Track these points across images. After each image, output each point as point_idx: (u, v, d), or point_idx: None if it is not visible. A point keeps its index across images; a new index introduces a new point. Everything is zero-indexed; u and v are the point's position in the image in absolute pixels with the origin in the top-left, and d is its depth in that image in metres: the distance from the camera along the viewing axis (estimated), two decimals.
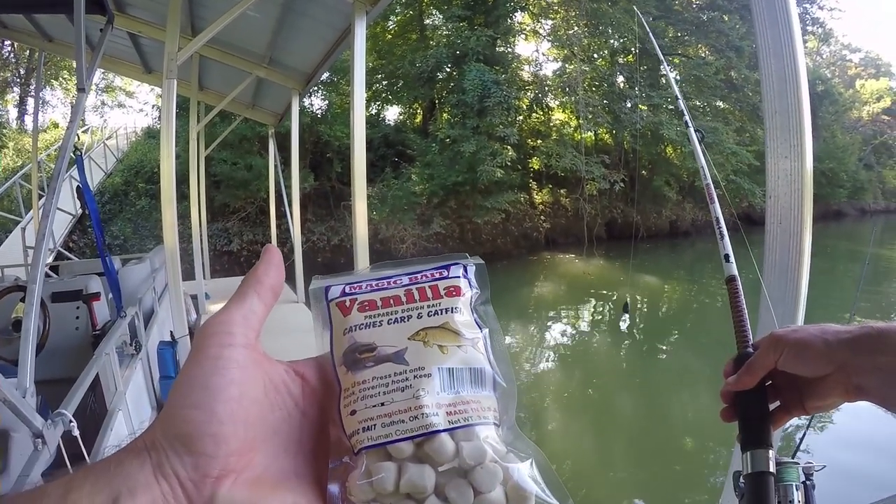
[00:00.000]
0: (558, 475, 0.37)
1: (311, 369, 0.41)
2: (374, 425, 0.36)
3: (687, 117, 1.83)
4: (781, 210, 1.97)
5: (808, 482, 1.06)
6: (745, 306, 1.01)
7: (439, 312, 0.41)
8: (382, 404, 0.37)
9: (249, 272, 0.41)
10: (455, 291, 0.42)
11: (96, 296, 4.28)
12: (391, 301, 0.41)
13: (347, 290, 0.43)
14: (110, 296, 4.38)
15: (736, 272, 1.15)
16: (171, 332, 5.11)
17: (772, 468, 0.79)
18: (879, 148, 40.99)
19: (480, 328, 0.41)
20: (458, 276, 0.43)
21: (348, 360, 0.39)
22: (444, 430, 0.36)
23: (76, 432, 2.38)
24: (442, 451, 0.36)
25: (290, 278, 9.09)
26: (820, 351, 0.73)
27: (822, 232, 26.67)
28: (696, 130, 1.79)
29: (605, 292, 16.80)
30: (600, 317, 14.94)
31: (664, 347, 12.12)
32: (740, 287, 1.08)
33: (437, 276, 0.43)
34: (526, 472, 0.36)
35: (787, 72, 1.92)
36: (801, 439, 1.82)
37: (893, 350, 0.69)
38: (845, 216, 36.25)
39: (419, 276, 0.43)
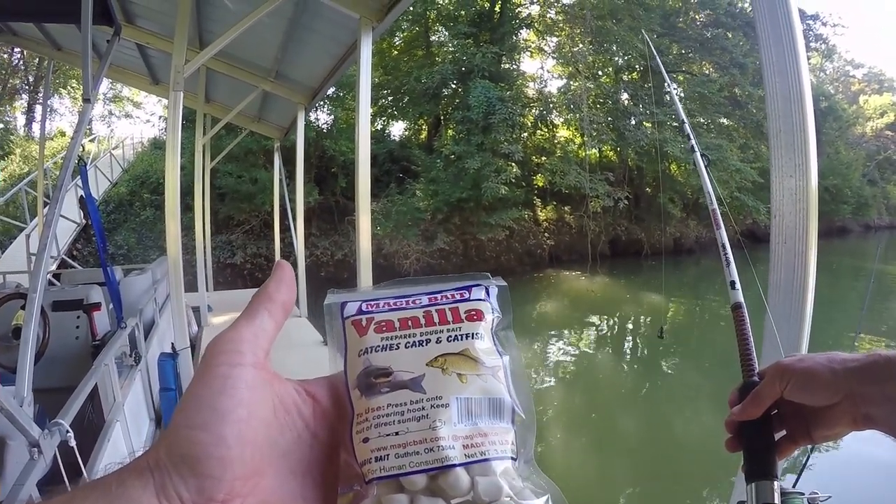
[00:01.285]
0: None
1: (323, 389, 0.40)
2: (388, 455, 0.35)
3: (693, 142, 1.82)
4: (786, 229, 1.96)
5: None
6: (750, 334, 0.99)
7: (459, 338, 0.40)
8: (397, 433, 0.36)
9: (260, 288, 0.39)
10: (476, 315, 0.41)
11: (97, 305, 4.29)
12: (409, 323, 0.40)
13: (364, 307, 0.42)
14: (111, 306, 4.38)
15: (742, 299, 1.13)
16: (173, 343, 5.09)
17: (777, 500, 0.77)
18: (883, 163, 41.03)
19: (501, 355, 0.40)
20: (480, 299, 0.42)
21: (362, 384, 0.38)
22: (460, 465, 0.35)
23: (73, 443, 2.37)
24: (457, 486, 0.35)
25: None
26: (827, 380, 0.72)
27: (826, 248, 26.55)
28: (702, 155, 1.78)
29: (609, 309, 16.75)
30: (604, 334, 14.88)
31: (668, 366, 12.04)
32: (746, 315, 1.05)
33: (458, 297, 0.42)
34: None
35: (792, 91, 1.92)
36: (803, 467, 1.78)
37: None
38: (849, 232, 36.20)
39: (439, 296, 0.42)
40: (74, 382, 2.97)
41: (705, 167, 1.67)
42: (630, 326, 15.27)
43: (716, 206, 1.58)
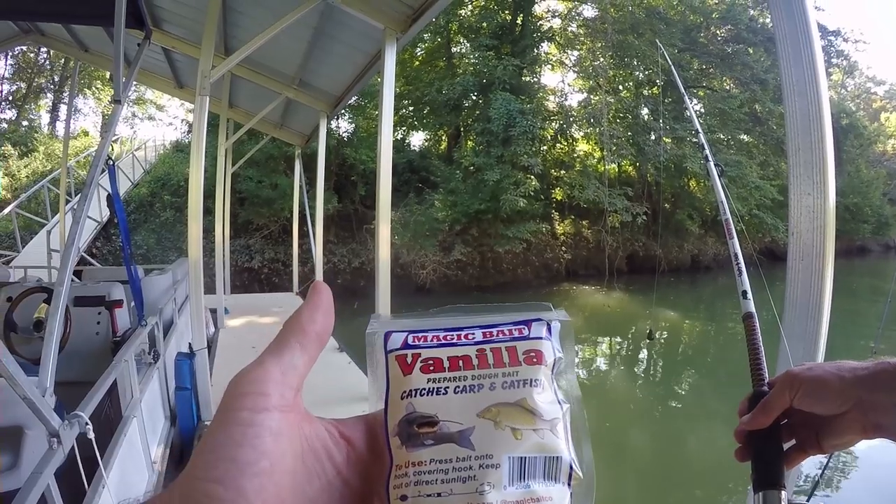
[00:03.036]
0: None
1: (360, 433, 0.37)
2: None
3: (707, 150, 1.84)
4: (804, 247, 1.96)
5: None
6: (761, 344, 0.99)
7: (516, 385, 0.35)
8: (439, 495, 0.32)
9: (293, 316, 0.36)
10: (536, 358, 0.37)
11: (119, 303, 4.36)
12: (461, 363, 0.36)
13: (410, 340, 0.37)
14: (132, 304, 4.45)
15: (753, 309, 1.14)
16: (190, 343, 5.16)
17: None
18: None
19: (561, 405, 0.36)
20: (541, 338, 0.38)
21: (404, 433, 0.34)
22: None
23: (91, 435, 2.41)
24: None
25: None
26: (836, 389, 0.72)
27: (845, 268, 26.20)
28: (715, 164, 1.79)
29: (624, 325, 16.64)
30: (619, 349, 14.78)
31: (683, 383, 11.92)
32: (757, 324, 1.06)
33: (517, 334, 0.38)
34: None
35: (811, 110, 1.93)
36: (819, 478, 1.78)
37: None
38: (869, 252, 35.57)
39: (495, 331, 0.38)
40: (93, 377, 3.02)
41: (719, 177, 1.68)
42: (644, 344, 15.14)
43: (729, 216, 1.59)
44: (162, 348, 4.62)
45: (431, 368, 0.36)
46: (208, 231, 9.71)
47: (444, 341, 0.37)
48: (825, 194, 1.92)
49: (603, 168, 23.81)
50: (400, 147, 22.99)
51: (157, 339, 4.51)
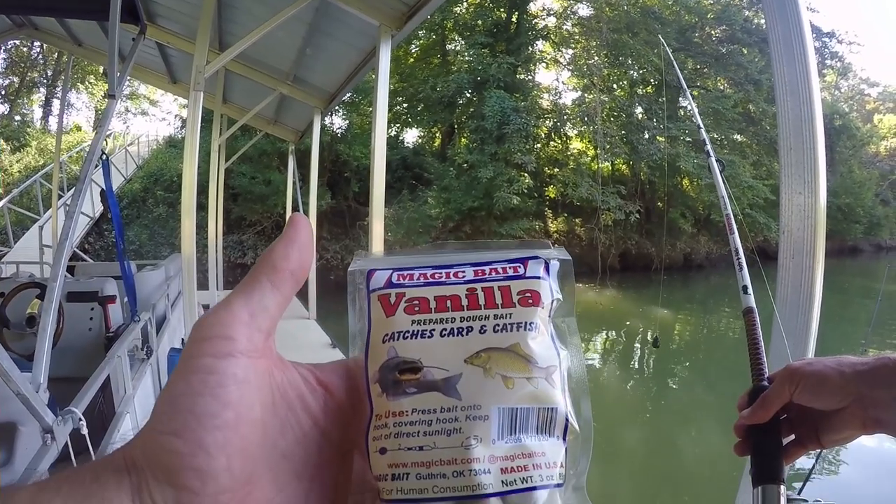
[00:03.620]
0: None
1: (339, 378, 0.34)
2: (407, 475, 0.30)
3: (708, 147, 1.85)
4: (794, 245, 1.98)
5: None
6: (761, 339, 0.99)
7: (509, 328, 0.32)
8: (421, 448, 0.30)
9: (265, 252, 0.32)
10: (532, 299, 0.33)
11: (112, 298, 4.34)
12: (448, 303, 0.33)
13: (395, 279, 0.34)
14: (125, 299, 4.44)
15: (753, 304, 1.14)
16: (183, 339, 5.15)
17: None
18: None
19: (558, 352, 0.33)
20: (538, 277, 0.34)
21: (385, 380, 0.31)
22: (495, 495, 0.29)
23: (85, 430, 2.40)
24: None
25: (302, 294, 9.11)
26: (836, 384, 0.72)
27: (837, 268, 26.34)
28: (717, 160, 1.80)
29: (617, 323, 16.69)
30: (612, 347, 14.83)
31: (675, 380, 11.98)
32: (757, 319, 1.06)
33: (511, 272, 0.34)
34: None
35: (803, 110, 1.95)
36: (810, 473, 1.80)
37: None
38: (861, 252, 35.76)
39: (487, 269, 0.34)
40: (86, 373, 3.01)
41: (720, 172, 1.69)
42: (638, 341, 15.20)
43: (730, 210, 1.59)
44: (155, 344, 4.61)
45: (416, 309, 0.33)
46: (201, 227, 9.69)
47: (431, 280, 0.34)
48: (816, 193, 1.94)
49: (596, 166, 23.88)
50: (394, 144, 22.99)
51: (150, 335, 4.49)
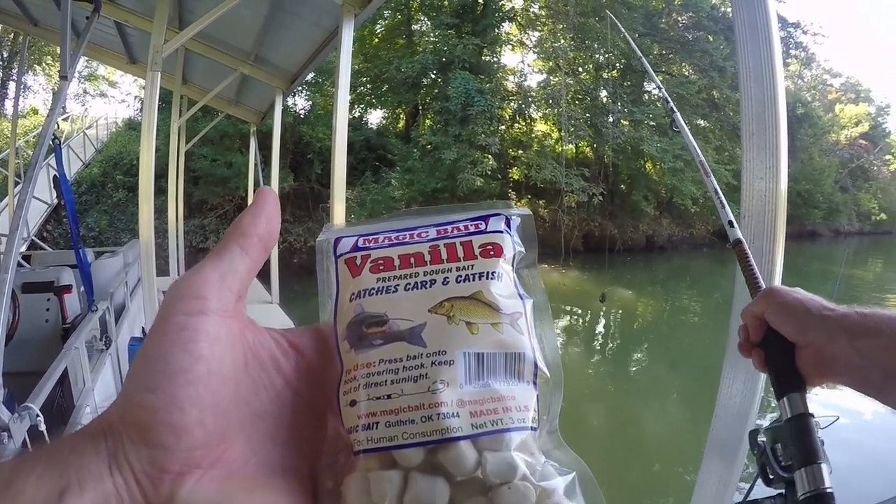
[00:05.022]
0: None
1: (309, 340, 0.35)
2: (377, 423, 0.30)
3: (671, 104, 1.87)
4: (755, 229, 2.01)
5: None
6: (754, 263, 1.06)
7: (471, 278, 0.33)
8: (389, 396, 0.30)
9: (234, 221, 0.33)
10: (494, 251, 0.34)
11: (68, 288, 4.23)
12: (412, 260, 0.34)
13: (361, 243, 0.35)
14: (82, 289, 4.32)
15: (741, 235, 1.19)
16: (143, 327, 5.04)
17: (809, 408, 0.79)
18: (856, 171, 42.18)
19: (523, 299, 0.34)
20: (500, 231, 0.35)
21: (353, 335, 0.32)
22: (465, 437, 0.29)
23: (43, 427, 2.34)
24: (460, 464, 0.29)
25: (264, 278, 9.00)
26: (797, 315, 0.77)
27: (796, 251, 27.14)
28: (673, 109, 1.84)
29: (580, 303, 16.94)
30: (575, 327, 15.05)
31: (636, 360, 12.25)
32: (747, 248, 1.13)
33: (473, 229, 0.35)
34: (565, 494, 0.30)
35: (766, 95, 1.97)
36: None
37: (874, 333, 0.71)
38: (820, 237, 36.96)
39: (450, 228, 0.35)
40: (44, 366, 2.93)
41: (685, 123, 1.74)
42: (602, 320, 15.47)
43: (702, 157, 1.65)
44: (114, 334, 4.50)
45: (381, 268, 0.34)
46: (161, 211, 9.46)
47: (395, 241, 0.35)
48: (777, 178, 1.97)
49: (560, 148, 24.02)
50: (357, 125, 22.74)
51: (108, 325, 4.38)
